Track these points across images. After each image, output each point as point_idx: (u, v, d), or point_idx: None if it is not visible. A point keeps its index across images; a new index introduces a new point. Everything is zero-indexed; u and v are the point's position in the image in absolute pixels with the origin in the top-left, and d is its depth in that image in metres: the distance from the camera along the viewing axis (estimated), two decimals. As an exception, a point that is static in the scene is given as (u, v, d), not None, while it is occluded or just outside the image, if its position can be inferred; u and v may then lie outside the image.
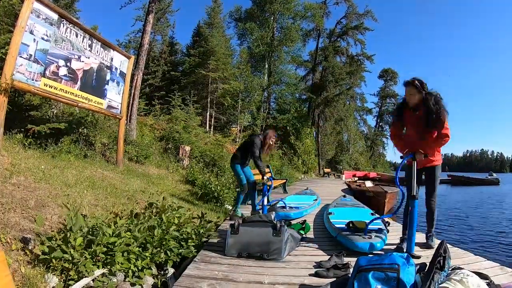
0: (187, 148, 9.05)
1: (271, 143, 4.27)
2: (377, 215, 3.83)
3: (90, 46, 4.89)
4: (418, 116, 2.72)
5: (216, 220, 4.08)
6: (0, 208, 2.23)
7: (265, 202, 4.49)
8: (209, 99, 17.09)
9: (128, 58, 6.01)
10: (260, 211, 4.28)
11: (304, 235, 3.23)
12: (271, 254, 2.47)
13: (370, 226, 2.86)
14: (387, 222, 3.48)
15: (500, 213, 9.58)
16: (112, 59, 5.44)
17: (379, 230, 2.90)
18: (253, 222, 2.69)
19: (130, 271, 2.14)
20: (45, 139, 4.83)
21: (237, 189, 6.55)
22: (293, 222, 3.57)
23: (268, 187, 4.79)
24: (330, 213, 3.85)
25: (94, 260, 2.03)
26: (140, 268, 2.20)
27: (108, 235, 2.17)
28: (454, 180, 27.35)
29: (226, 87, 16.72)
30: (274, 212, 2.88)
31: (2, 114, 3.53)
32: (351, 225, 2.98)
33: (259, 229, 2.60)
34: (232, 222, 2.74)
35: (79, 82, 4.63)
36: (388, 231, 3.00)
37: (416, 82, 2.64)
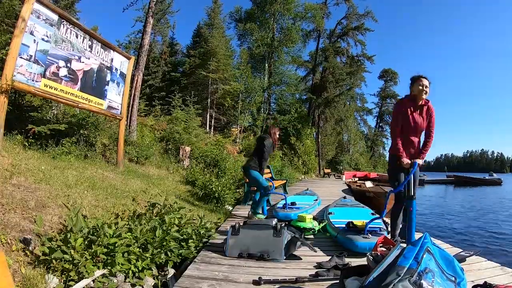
0: (188, 148, 9.04)
1: (277, 137, 4.40)
2: (377, 215, 3.82)
3: (90, 46, 4.89)
4: (426, 113, 2.74)
5: (217, 221, 4.08)
6: (1, 209, 2.22)
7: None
8: (209, 100, 17.11)
9: (128, 58, 6.01)
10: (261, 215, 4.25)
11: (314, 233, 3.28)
12: (272, 255, 2.47)
13: (370, 226, 2.85)
14: (387, 222, 3.47)
15: (502, 213, 9.57)
16: (112, 60, 5.44)
17: (379, 230, 2.90)
18: (254, 225, 2.70)
19: (130, 271, 2.14)
20: (45, 140, 4.82)
21: (238, 190, 6.57)
22: (307, 217, 3.50)
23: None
24: (330, 213, 3.84)
25: (94, 260, 2.03)
26: (140, 268, 2.19)
27: (108, 236, 2.17)
28: (455, 180, 27.35)
29: (226, 88, 16.73)
30: (275, 219, 2.89)
31: (2, 115, 3.53)
32: (351, 225, 2.98)
33: (260, 231, 2.60)
34: (233, 223, 2.75)
35: (79, 83, 4.63)
36: (388, 232, 2.99)
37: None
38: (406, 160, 2.73)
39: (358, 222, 2.98)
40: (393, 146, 2.86)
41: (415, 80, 2.74)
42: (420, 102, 2.77)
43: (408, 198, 2.60)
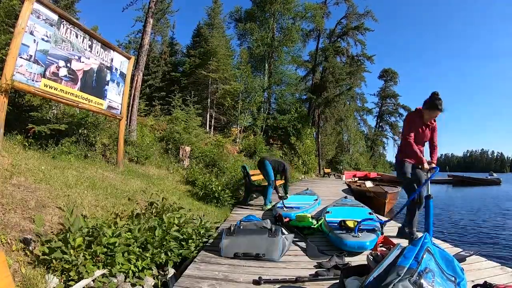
0: (188, 148, 9.04)
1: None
2: (375, 215, 3.83)
3: (90, 46, 4.89)
4: (431, 127, 3.08)
5: (217, 221, 4.08)
6: (1, 209, 2.23)
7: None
8: (209, 99, 17.11)
9: (128, 58, 6.01)
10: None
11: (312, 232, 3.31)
12: (268, 254, 2.46)
13: (363, 226, 2.86)
14: (380, 219, 3.48)
15: (501, 213, 9.57)
16: (112, 60, 5.44)
17: (371, 229, 2.90)
18: (249, 230, 2.69)
19: (130, 271, 2.14)
20: (45, 140, 4.82)
21: (242, 185, 6.67)
22: (306, 216, 3.53)
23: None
24: (328, 212, 3.86)
25: (94, 260, 2.03)
26: (140, 268, 2.20)
27: (108, 235, 2.17)
28: (455, 180, 27.31)
29: (226, 88, 16.73)
30: (268, 220, 2.89)
31: (2, 115, 3.53)
32: (342, 224, 2.98)
33: (256, 235, 2.59)
34: (233, 223, 2.75)
35: (79, 83, 4.63)
36: (382, 233, 2.96)
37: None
38: (426, 165, 2.99)
39: (349, 221, 2.98)
40: (410, 153, 3.08)
41: (432, 108, 2.92)
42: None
43: (426, 198, 2.88)
